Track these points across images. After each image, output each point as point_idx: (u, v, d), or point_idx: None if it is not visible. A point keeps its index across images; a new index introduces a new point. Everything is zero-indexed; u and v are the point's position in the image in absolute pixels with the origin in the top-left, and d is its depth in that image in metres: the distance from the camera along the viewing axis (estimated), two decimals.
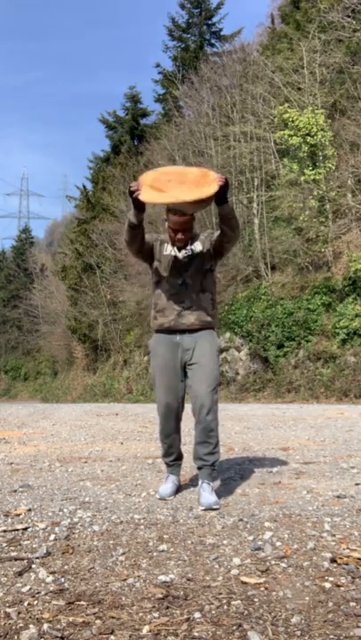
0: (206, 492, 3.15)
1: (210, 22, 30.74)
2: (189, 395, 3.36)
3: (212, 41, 30.94)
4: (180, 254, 3.37)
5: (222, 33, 30.74)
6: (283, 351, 16.30)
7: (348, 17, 17.82)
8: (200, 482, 3.25)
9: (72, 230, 34.01)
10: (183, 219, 3.23)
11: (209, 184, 3.03)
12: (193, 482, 3.76)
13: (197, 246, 3.39)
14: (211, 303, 3.38)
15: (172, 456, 3.51)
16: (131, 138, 33.28)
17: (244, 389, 16.96)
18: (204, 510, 3.04)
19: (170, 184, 3.02)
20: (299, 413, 9.49)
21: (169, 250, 3.40)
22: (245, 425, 7.59)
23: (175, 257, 3.37)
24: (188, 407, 3.45)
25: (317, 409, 10.76)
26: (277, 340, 16.36)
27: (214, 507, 3.05)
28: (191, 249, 3.38)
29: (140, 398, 21.51)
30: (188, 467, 4.05)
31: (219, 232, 3.38)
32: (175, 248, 3.38)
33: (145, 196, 3.04)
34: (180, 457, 3.56)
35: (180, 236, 3.30)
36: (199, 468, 3.30)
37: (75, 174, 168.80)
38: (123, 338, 26.61)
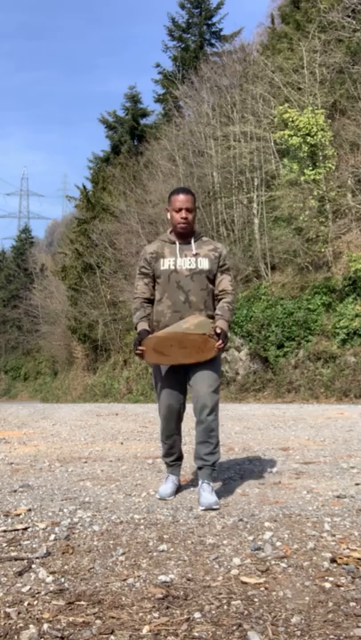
0: (206, 492, 3.16)
1: (210, 22, 30.72)
2: (191, 395, 3.36)
3: (212, 41, 30.92)
4: (183, 264, 3.27)
5: (222, 33, 30.73)
6: (283, 351, 16.30)
7: (349, 17, 17.82)
8: (200, 482, 3.26)
9: (72, 230, 34.00)
10: (187, 197, 3.34)
11: (209, 350, 3.15)
12: (193, 482, 3.76)
13: (203, 262, 3.30)
14: (213, 320, 3.36)
15: (173, 456, 3.51)
16: (131, 138, 33.27)
17: (244, 389, 16.96)
18: (204, 510, 3.05)
19: (172, 349, 3.15)
20: (299, 413, 9.49)
21: (167, 264, 3.30)
22: (245, 425, 7.59)
23: (175, 270, 3.27)
24: (188, 407, 3.45)
25: (317, 409, 10.76)
26: (277, 339, 16.36)
27: (214, 507, 3.05)
28: (197, 262, 3.28)
29: (140, 398, 21.51)
30: (188, 467, 4.05)
31: (223, 282, 3.38)
32: (174, 261, 3.27)
33: (150, 358, 3.23)
34: (180, 457, 3.56)
35: (183, 214, 3.31)
36: (199, 468, 3.30)
37: (75, 174, 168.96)
38: (123, 338, 26.61)
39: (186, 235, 3.37)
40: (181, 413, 3.43)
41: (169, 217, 3.41)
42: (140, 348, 3.20)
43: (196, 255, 3.30)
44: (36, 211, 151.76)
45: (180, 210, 3.30)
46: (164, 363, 3.27)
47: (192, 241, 3.35)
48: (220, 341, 3.16)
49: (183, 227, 3.31)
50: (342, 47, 17.86)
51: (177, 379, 3.35)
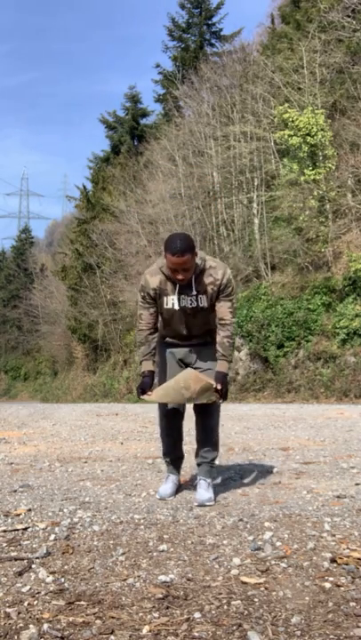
0: (202, 489, 3.21)
1: (210, 22, 30.72)
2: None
3: (212, 41, 30.93)
4: (185, 304, 3.18)
5: (222, 33, 30.75)
6: (283, 351, 16.30)
7: (349, 17, 17.81)
8: (198, 478, 3.30)
9: (72, 230, 34.02)
10: (182, 259, 2.99)
11: (210, 395, 3.15)
12: (193, 482, 3.76)
13: (203, 300, 3.18)
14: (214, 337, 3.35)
15: (173, 455, 3.52)
16: (131, 138, 33.29)
17: (245, 389, 16.96)
18: (199, 506, 3.09)
19: (174, 391, 3.16)
20: (299, 413, 9.49)
21: (170, 303, 3.19)
22: (245, 425, 7.59)
23: (178, 310, 3.20)
24: (188, 407, 3.46)
25: (317, 409, 10.76)
26: (277, 340, 16.36)
27: (207, 503, 3.11)
28: (197, 300, 3.18)
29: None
30: (188, 467, 4.05)
31: (221, 309, 3.22)
32: (177, 299, 3.17)
33: (155, 396, 3.21)
34: (180, 456, 3.57)
35: (180, 276, 3.07)
36: (198, 465, 3.38)
37: (75, 174, 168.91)
38: (123, 338, 26.61)
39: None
40: (182, 412, 3.45)
41: (165, 264, 3.14)
42: (143, 396, 3.22)
43: (196, 293, 3.16)
44: (36, 211, 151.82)
45: (175, 271, 3.06)
46: (168, 400, 3.29)
47: (192, 279, 3.15)
48: (221, 394, 3.15)
49: (180, 282, 3.15)
50: (342, 47, 17.86)
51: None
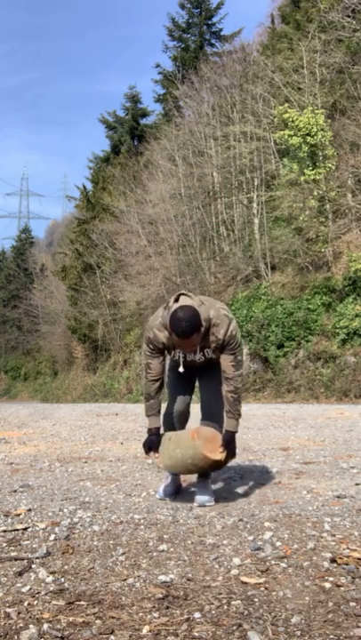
0: (202, 489, 3.23)
1: (210, 22, 30.72)
2: (199, 395, 3.45)
3: (213, 41, 30.93)
4: (191, 358, 3.19)
5: (222, 33, 30.74)
6: (283, 351, 16.29)
7: (349, 17, 17.81)
8: (197, 478, 3.32)
9: (72, 230, 34.02)
10: (188, 340, 2.95)
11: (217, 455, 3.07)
12: (193, 482, 3.76)
13: (209, 353, 3.17)
14: None
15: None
16: (131, 138, 33.28)
17: (244, 389, 16.95)
18: (198, 507, 3.10)
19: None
20: (299, 413, 9.49)
21: (177, 355, 3.19)
22: (245, 425, 7.59)
23: (185, 361, 3.20)
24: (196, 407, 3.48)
25: (317, 409, 10.76)
26: (277, 340, 16.35)
27: (207, 504, 3.13)
28: (203, 355, 3.17)
29: (140, 398, 21.50)
30: None
31: (224, 362, 3.15)
32: (182, 357, 3.18)
33: (162, 464, 3.21)
34: None
35: (185, 350, 3.08)
36: None
37: (75, 174, 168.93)
38: (123, 338, 26.61)
39: None
40: (188, 416, 3.48)
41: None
42: (150, 456, 3.27)
43: (202, 349, 3.13)
44: (36, 211, 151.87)
45: (180, 346, 3.05)
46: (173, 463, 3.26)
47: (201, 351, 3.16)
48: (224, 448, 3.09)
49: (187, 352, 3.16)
50: (342, 47, 17.86)
51: (188, 383, 3.42)
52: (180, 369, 3.16)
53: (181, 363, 3.15)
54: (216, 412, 3.32)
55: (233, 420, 3.15)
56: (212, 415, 3.34)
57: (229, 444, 3.09)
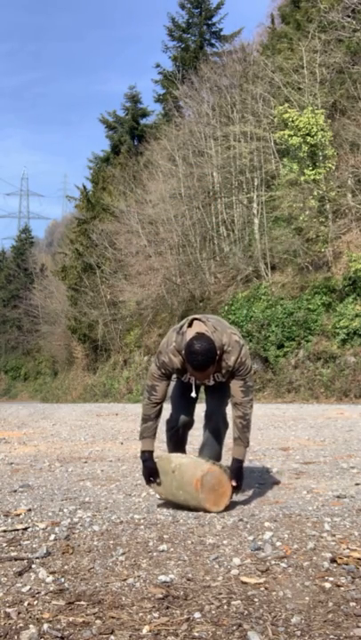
0: None
1: (210, 22, 30.71)
2: (204, 398, 3.45)
3: (213, 41, 30.92)
4: (202, 382, 3.21)
5: (222, 33, 30.73)
6: (283, 351, 16.29)
7: (349, 17, 17.81)
8: None
9: (72, 230, 34.01)
10: (204, 373, 2.95)
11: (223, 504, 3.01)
12: None
13: (220, 377, 3.15)
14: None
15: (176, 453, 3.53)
16: (131, 138, 33.28)
17: None
18: None
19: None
20: (299, 413, 9.49)
21: (187, 379, 3.19)
22: None
23: (193, 393, 3.20)
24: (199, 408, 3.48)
25: (317, 409, 10.76)
26: (277, 340, 16.35)
27: None
28: (214, 379, 3.16)
29: (140, 398, 21.49)
30: None
31: (234, 388, 3.10)
32: (194, 385, 3.17)
33: (164, 494, 3.15)
34: None
35: (199, 380, 3.10)
36: None
37: (75, 174, 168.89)
38: (123, 338, 26.61)
39: None
40: (192, 424, 3.47)
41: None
42: (151, 486, 3.22)
43: (214, 374, 3.12)
44: (36, 211, 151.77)
45: (195, 376, 3.06)
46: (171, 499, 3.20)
47: (210, 375, 3.12)
48: (235, 483, 3.02)
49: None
50: (342, 47, 17.86)
51: (191, 396, 3.36)
52: (193, 394, 3.14)
53: (193, 388, 3.15)
54: (219, 423, 3.34)
55: (242, 447, 3.10)
56: (214, 427, 3.34)
57: (238, 475, 3.04)
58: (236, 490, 3.05)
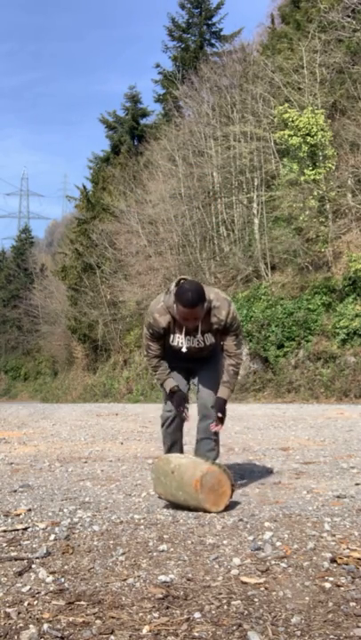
0: None
1: (210, 22, 30.73)
2: (195, 394, 3.46)
3: (212, 41, 30.95)
4: (192, 344, 3.26)
5: (222, 33, 30.77)
6: (283, 351, 16.29)
7: (349, 17, 17.81)
8: None
9: (72, 230, 34.02)
10: (193, 310, 3.06)
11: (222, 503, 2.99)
12: None
13: (208, 339, 3.28)
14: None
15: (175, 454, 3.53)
16: (131, 138, 33.29)
17: (245, 389, 16.96)
18: None
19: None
20: (299, 413, 9.49)
21: (177, 341, 3.27)
22: (245, 425, 7.59)
23: (183, 347, 3.26)
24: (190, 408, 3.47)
25: (317, 409, 10.76)
26: (277, 340, 16.35)
27: None
28: (203, 341, 3.27)
29: (139, 398, 21.51)
30: None
31: (227, 343, 3.29)
32: (184, 340, 3.24)
33: (164, 495, 3.12)
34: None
35: (189, 324, 3.15)
36: None
37: (75, 174, 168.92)
38: (123, 338, 26.61)
39: None
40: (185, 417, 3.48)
41: (174, 308, 3.17)
42: (182, 409, 3.29)
43: (202, 333, 3.23)
44: (36, 211, 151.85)
45: (185, 319, 3.13)
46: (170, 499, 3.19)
47: (199, 325, 3.21)
48: (220, 414, 3.23)
49: (188, 327, 3.21)
50: (342, 47, 17.86)
51: (182, 379, 3.44)
52: (184, 349, 3.24)
53: (184, 343, 3.24)
54: (213, 408, 3.35)
55: (228, 389, 3.31)
56: (207, 413, 3.36)
57: (222, 409, 3.27)
58: (219, 422, 3.26)
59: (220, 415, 3.27)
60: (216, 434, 3.42)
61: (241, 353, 3.37)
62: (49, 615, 1.81)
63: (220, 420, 3.29)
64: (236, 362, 3.31)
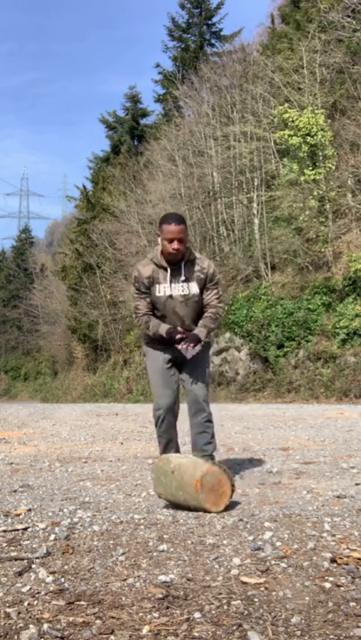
0: None
1: (210, 22, 30.73)
2: (183, 389, 3.46)
3: (212, 41, 30.94)
4: (176, 292, 3.36)
5: (222, 33, 30.76)
6: (283, 351, 16.29)
7: (349, 17, 17.81)
8: None
9: (72, 230, 34.01)
10: (178, 227, 3.29)
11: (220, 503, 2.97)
12: None
13: (193, 288, 3.40)
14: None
15: (171, 451, 3.53)
16: (131, 138, 33.29)
17: (244, 389, 16.96)
18: None
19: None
20: (299, 413, 9.49)
21: (162, 290, 3.39)
22: (245, 425, 7.59)
23: (170, 296, 3.36)
24: (183, 407, 3.48)
25: (317, 409, 10.76)
26: (277, 339, 16.35)
27: None
28: (188, 288, 3.38)
29: (139, 398, 21.51)
30: None
31: (208, 296, 3.43)
32: (168, 285, 3.36)
33: (164, 495, 3.09)
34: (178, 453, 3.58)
35: (175, 245, 3.29)
36: None
37: (75, 174, 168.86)
38: (123, 338, 26.61)
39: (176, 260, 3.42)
40: (176, 408, 3.51)
41: (160, 242, 3.40)
42: (180, 334, 3.29)
43: (186, 280, 3.37)
44: (36, 211, 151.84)
45: (171, 240, 3.30)
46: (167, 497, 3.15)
47: (182, 265, 3.38)
48: (191, 344, 3.25)
49: (174, 256, 3.34)
50: (342, 47, 17.86)
51: (170, 374, 3.46)
52: (167, 292, 3.35)
53: (168, 290, 3.35)
54: (204, 401, 3.39)
55: (205, 330, 3.38)
56: (199, 407, 3.38)
57: (193, 338, 3.28)
58: (192, 344, 3.26)
59: (192, 343, 3.27)
60: (211, 425, 3.42)
61: (222, 307, 3.51)
62: (49, 615, 1.81)
63: (194, 345, 3.28)
64: (217, 311, 3.43)
